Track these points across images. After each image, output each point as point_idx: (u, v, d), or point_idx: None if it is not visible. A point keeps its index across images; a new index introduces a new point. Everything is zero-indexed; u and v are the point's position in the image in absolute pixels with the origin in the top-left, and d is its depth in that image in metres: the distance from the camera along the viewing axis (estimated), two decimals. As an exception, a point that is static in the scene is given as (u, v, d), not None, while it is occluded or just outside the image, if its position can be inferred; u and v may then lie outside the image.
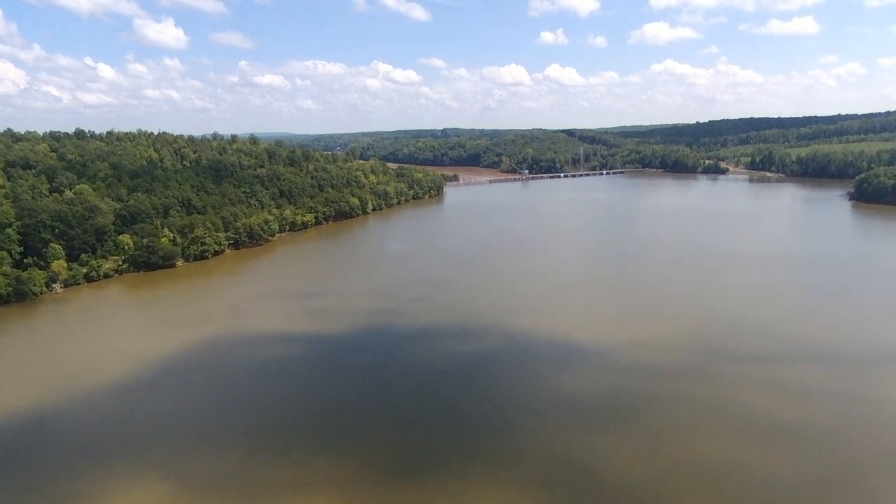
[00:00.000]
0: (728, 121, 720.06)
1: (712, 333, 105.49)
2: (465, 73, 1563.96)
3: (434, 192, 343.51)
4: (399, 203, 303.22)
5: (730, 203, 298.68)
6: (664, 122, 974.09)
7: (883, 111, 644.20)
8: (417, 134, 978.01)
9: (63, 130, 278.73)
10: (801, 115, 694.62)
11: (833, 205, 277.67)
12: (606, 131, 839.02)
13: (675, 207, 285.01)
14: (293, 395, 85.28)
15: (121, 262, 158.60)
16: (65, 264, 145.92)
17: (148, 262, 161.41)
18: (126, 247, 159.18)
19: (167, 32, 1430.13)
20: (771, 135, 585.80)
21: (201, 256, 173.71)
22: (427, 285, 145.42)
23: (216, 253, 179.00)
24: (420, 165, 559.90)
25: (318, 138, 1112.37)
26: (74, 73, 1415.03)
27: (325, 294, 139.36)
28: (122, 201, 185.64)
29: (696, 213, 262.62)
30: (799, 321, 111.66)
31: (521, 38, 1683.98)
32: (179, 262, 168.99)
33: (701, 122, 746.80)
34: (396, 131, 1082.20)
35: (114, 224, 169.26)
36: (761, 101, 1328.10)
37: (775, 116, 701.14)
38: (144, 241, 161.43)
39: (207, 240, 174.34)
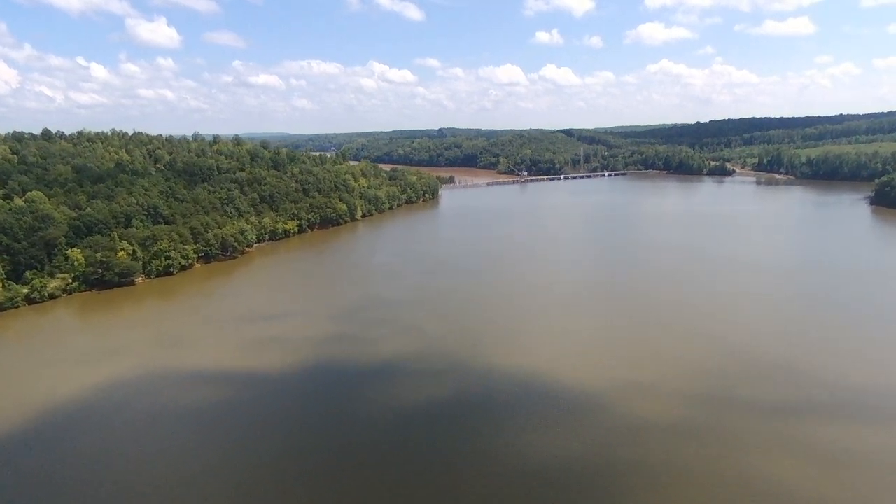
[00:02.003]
0: (730, 121, 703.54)
1: (726, 372, 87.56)
2: (460, 73, 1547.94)
3: (429, 195, 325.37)
4: (391, 208, 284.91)
5: (741, 207, 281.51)
6: (661, 123, 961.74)
7: (883, 111, 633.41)
8: (413, 134, 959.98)
9: (57, 130, 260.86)
10: (801, 116, 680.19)
11: (853, 209, 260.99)
12: (606, 131, 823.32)
13: (683, 212, 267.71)
14: (216, 462, 67.63)
15: (70, 280, 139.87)
16: None
17: (102, 280, 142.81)
18: (76, 262, 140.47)
19: (160, 32, 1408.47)
20: (776, 135, 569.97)
21: (165, 272, 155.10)
22: (406, 305, 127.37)
23: (183, 267, 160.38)
24: (415, 166, 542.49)
25: (312, 138, 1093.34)
26: (67, 72, 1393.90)
27: (291, 316, 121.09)
28: (81, 209, 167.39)
29: (706, 218, 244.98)
30: (834, 356, 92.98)
31: (517, 38, 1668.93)
32: (140, 279, 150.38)
33: (702, 121, 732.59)
34: (392, 131, 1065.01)
35: (66, 236, 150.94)
36: (757, 101, 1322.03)
37: (776, 116, 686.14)
38: (98, 255, 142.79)
39: (172, 253, 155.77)
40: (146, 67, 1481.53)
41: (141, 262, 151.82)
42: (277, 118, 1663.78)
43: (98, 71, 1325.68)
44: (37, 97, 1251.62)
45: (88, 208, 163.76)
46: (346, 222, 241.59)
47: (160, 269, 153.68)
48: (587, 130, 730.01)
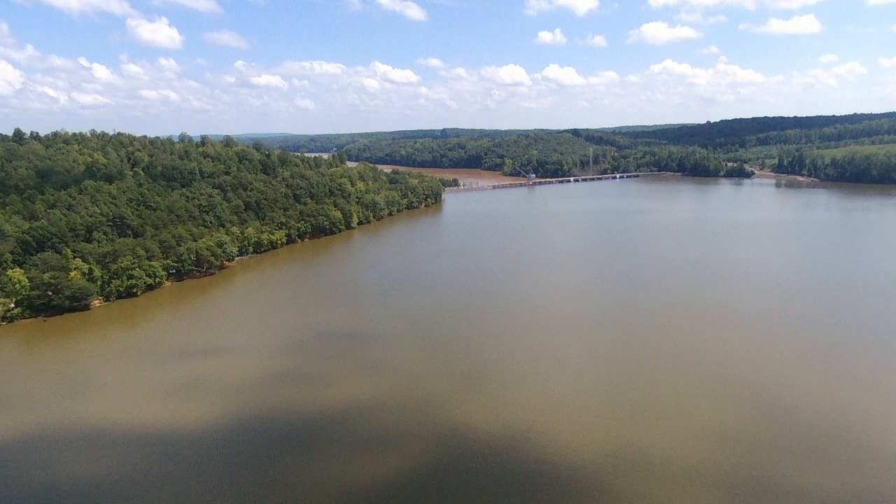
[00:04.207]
0: (741, 120, 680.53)
1: (764, 441, 67.30)
2: (463, 73, 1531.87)
3: (431, 200, 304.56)
4: (391, 214, 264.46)
5: (766, 214, 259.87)
6: (664, 122, 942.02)
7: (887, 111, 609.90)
8: (416, 134, 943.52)
9: (31, 131, 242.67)
10: (811, 115, 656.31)
11: (888, 215, 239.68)
12: (612, 131, 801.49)
13: (704, 220, 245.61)
14: None
15: (12, 306, 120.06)
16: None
17: (50, 305, 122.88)
18: (18, 285, 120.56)
19: (161, 32, 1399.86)
20: (792, 135, 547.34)
21: (128, 293, 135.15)
22: (386, 336, 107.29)
23: (150, 287, 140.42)
24: (418, 168, 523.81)
25: (315, 139, 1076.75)
26: (69, 73, 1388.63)
27: (245, 349, 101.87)
28: (38, 219, 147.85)
29: (730, 227, 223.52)
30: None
31: (519, 38, 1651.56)
32: (96, 302, 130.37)
33: (712, 121, 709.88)
34: (395, 132, 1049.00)
35: (13, 252, 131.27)
36: (761, 101, 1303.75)
37: (788, 116, 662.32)
38: (45, 276, 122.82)
39: (136, 271, 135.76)
40: (148, 68, 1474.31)
41: (98, 283, 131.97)
42: (281, 119, 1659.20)
43: (100, 72, 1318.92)
44: (40, 98, 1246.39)
45: (44, 219, 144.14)
46: (340, 231, 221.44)
47: (121, 289, 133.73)
48: (594, 130, 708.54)
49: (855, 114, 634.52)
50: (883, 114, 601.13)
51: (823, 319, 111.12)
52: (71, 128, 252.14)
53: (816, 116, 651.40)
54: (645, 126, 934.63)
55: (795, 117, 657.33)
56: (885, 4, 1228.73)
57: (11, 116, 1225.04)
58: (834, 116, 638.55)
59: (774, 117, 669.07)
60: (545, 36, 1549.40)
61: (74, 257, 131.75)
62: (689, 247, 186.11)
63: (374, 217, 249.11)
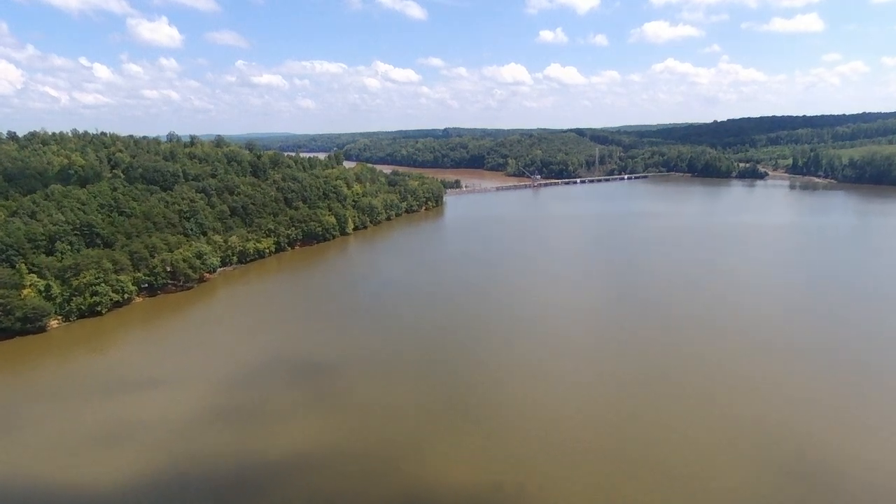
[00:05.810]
0: (750, 119, 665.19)
1: None
2: (464, 73, 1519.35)
3: (432, 202, 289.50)
4: (389, 219, 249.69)
5: (786, 218, 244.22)
6: (666, 122, 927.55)
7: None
8: (417, 134, 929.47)
9: (8, 131, 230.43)
10: (818, 114, 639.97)
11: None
12: (617, 130, 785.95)
13: (721, 224, 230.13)
14: None
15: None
16: None
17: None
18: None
19: (161, 31, 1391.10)
20: (804, 134, 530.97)
21: (92, 312, 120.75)
22: (364, 363, 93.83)
23: (117, 304, 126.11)
24: (419, 168, 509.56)
25: (315, 138, 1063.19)
26: (70, 72, 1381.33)
27: (194, 379, 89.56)
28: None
29: (751, 232, 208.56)
30: None
31: (520, 37, 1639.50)
32: (55, 323, 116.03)
33: (719, 120, 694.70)
34: (396, 131, 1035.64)
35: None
36: (763, 99, 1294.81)
37: (797, 115, 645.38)
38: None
39: (100, 287, 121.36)
40: (149, 68, 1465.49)
41: (58, 301, 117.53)
42: (282, 118, 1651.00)
43: (101, 71, 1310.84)
44: (41, 97, 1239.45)
45: (0, 229, 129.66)
46: (334, 237, 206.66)
47: (83, 308, 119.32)
48: (597, 130, 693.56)
49: (865, 112, 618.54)
50: (889, 113, 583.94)
51: (874, 349, 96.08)
52: (72, 128, 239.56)
53: (826, 115, 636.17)
54: (649, 125, 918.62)
55: (804, 116, 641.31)
56: (888, 3, 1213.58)
57: (13, 116, 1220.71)
58: (843, 115, 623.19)
59: (783, 116, 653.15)
60: (546, 35, 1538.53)
61: (29, 272, 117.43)
62: (710, 255, 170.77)
63: (370, 222, 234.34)
